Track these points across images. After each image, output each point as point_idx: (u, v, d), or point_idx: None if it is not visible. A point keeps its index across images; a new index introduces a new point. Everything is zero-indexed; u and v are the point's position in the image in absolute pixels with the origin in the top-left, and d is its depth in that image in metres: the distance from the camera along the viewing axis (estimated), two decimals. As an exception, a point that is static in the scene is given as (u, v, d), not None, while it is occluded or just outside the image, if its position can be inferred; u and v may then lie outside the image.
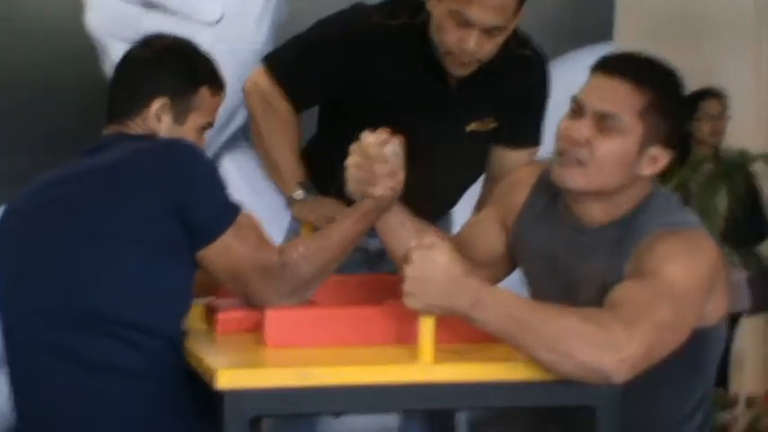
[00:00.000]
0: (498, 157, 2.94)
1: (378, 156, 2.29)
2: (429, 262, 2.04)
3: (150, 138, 2.33)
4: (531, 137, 2.95)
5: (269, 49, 3.69)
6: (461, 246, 2.43)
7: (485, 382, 2.07)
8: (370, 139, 2.30)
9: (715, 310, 2.24)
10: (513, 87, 2.87)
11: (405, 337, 2.15)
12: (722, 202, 4.62)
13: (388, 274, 2.54)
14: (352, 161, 2.32)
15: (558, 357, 2.01)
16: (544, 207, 2.37)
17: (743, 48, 5.77)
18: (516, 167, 2.72)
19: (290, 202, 2.88)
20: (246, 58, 3.78)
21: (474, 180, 3.02)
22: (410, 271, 2.05)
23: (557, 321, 2.03)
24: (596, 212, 2.27)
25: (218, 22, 3.78)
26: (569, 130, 2.22)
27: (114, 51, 3.73)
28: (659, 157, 2.22)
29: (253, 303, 2.28)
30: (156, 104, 2.33)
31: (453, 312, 2.05)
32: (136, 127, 2.34)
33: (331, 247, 2.33)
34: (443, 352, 2.08)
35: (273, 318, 2.20)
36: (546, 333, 2.02)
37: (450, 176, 2.89)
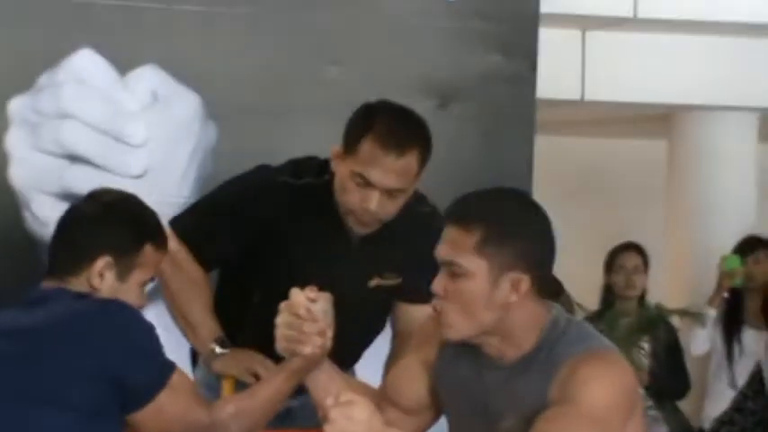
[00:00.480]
0: (403, 313, 2.99)
1: (307, 315, 2.31)
2: (348, 419, 2.05)
3: (88, 296, 2.31)
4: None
5: (191, 203, 3.72)
6: (387, 394, 2.43)
7: None
8: (299, 297, 2.33)
9: (632, 429, 2.24)
10: (415, 244, 2.91)
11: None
12: (643, 356, 4.66)
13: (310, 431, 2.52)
14: (281, 320, 2.33)
15: None
16: (461, 347, 2.37)
17: (656, 204, 5.92)
18: (422, 322, 2.75)
19: (209, 357, 2.86)
20: (170, 213, 3.76)
21: (377, 333, 3.05)
22: (330, 430, 2.04)
23: None
24: (503, 349, 2.28)
25: (141, 176, 3.79)
26: (434, 285, 2.29)
27: (37, 204, 3.72)
28: (520, 281, 2.24)
29: None
30: (101, 263, 2.31)
31: None
32: (77, 283, 2.33)
33: (260, 407, 2.33)
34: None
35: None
36: None
37: (352, 330, 2.89)
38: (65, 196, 3.75)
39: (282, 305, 2.34)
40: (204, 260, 2.91)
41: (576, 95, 5.58)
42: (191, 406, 2.24)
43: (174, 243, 2.91)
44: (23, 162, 3.73)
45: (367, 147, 2.73)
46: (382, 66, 3.99)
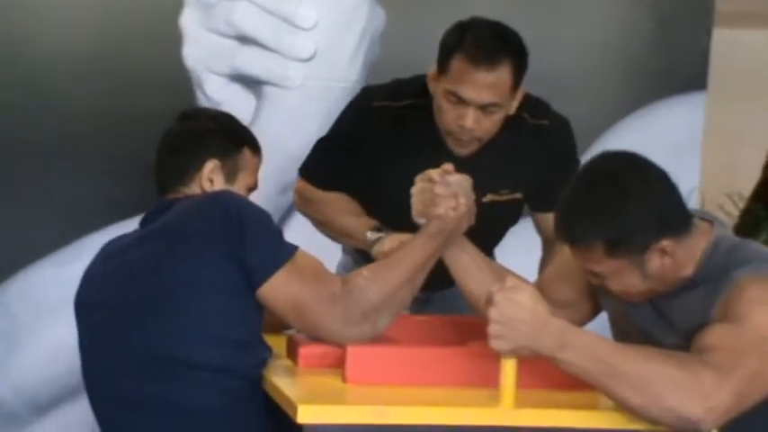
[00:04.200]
0: (543, 221, 2.96)
1: (440, 179, 2.38)
2: (514, 303, 2.04)
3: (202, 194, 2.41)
4: None
5: (359, 87, 3.73)
6: (543, 287, 2.42)
7: (566, 428, 2.05)
8: (434, 171, 2.41)
9: None
10: (533, 157, 2.89)
11: (487, 380, 2.14)
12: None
13: (471, 317, 2.54)
14: (416, 189, 2.41)
15: (645, 401, 2.00)
16: None
17: None
18: None
19: (370, 247, 2.89)
20: (337, 96, 3.80)
21: (496, 243, 3.03)
22: (495, 313, 2.04)
23: (645, 365, 2.02)
24: (670, 288, 2.25)
25: (310, 59, 3.82)
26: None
27: (209, 85, 3.79)
28: (665, 248, 2.17)
29: (323, 338, 2.29)
30: (209, 166, 2.42)
31: (540, 354, 2.04)
32: (189, 192, 2.42)
33: (398, 271, 2.34)
34: (526, 397, 2.07)
35: (355, 355, 2.20)
36: (634, 377, 2.01)
37: (474, 242, 2.90)
38: (235, 77, 3.81)
39: (418, 177, 2.41)
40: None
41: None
42: (319, 277, 2.28)
43: (304, 185, 2.98)
44: (196, 42, 3.78)
45: (457, 63, 2.73)
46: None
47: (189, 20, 3.78)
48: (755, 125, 5.53)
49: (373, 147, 2.88)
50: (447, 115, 2.77)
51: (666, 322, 2.25)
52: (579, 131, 3.03)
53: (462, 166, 2.70)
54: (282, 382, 2.22)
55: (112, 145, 3.74)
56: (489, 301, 2.06)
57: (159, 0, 3.75)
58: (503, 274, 2.38)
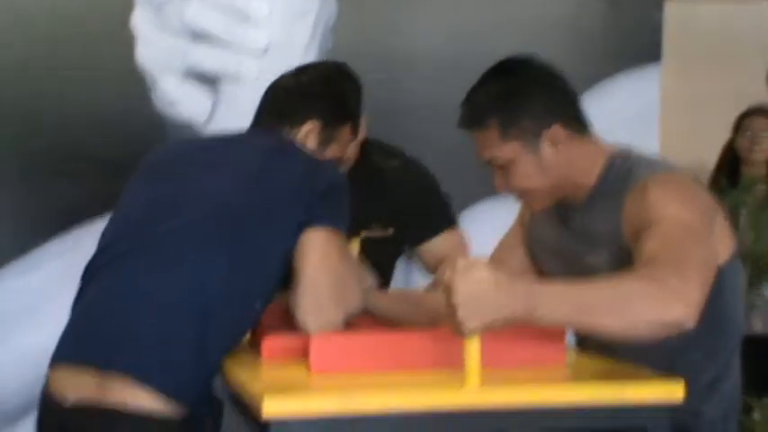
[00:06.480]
0: (425, 252, 3.09)
1: None
2: (473, 280, 2.00)
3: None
4: (439, 225, 3.11)
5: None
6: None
7: (534, 405, 2.04)
8: None
9: (720, 246, 2.30)
10: (392, 196, 3.01)
11: (453, 362, 2.13)
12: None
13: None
14: None
15: (629, 323, 2.03)
16: (545, 213, 2.48)
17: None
18: (446, 251, 2.97)
19: None
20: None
21: (385, 278, 3.09)
22: (458, 297, 2.00)
23: (615, 291, 2.05)
24: (575, 191, 2.37)
25: (264, 52, 3.80)
26: (496, 186, 2.40)
27: (163, 84, 3.77)
28: (554, 133, 2.31)
29: (307, 308, 2.31)
30: (309, 126, 2.48)
31: (514, 320, 2.02)
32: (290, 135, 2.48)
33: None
34: (491, 375, 2.07)
35: (319, 343, 2.19)
36: (610, 305, 2.03)
37: None
38: (190, 75, 3.79)
39: None
40: None
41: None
42: (351, 262, 2.34)
43: None
44: (149, 42, 3.76)
45: None
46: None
47: (140, 20, 3.76)
48: (711, 94, 5.55)
49: None
50: None
51: (585, 239, 2.35)
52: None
53: None
54: (245, 374, 2.20)
55: (69, 146, 3.72)
56: (447, 289, 2.02)
57: (110, 1, 3.72)
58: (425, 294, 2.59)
